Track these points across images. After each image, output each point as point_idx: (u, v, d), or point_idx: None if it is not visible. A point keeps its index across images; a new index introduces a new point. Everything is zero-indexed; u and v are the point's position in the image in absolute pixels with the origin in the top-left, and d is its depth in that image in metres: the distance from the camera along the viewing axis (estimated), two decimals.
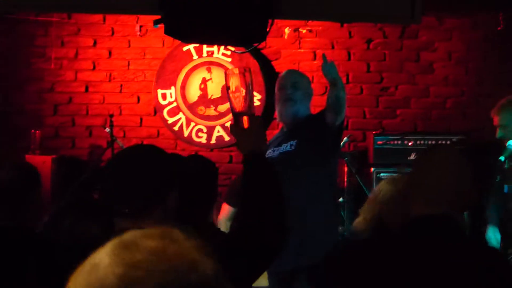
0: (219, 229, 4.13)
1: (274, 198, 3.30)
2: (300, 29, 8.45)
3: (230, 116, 8.01)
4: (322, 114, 6.13)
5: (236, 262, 3.09)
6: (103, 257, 1.40)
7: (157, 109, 8.44)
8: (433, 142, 7.72)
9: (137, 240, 1.43)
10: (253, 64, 8.06)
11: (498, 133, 6.42)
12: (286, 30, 8.39)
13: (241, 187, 3.46)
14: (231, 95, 3.59)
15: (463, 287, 3.23)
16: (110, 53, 8.58)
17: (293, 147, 6.05)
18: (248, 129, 3.53)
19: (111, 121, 7.70)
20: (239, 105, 3.57)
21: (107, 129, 7.61)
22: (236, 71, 3.63)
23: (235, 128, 3.58)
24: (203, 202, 3.98)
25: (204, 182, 4.02)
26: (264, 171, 3.39)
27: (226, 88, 3.67)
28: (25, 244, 3.94)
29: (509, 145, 6.25)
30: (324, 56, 5.99)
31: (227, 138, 8.23)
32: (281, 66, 8.22)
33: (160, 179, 3.34)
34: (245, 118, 3.49)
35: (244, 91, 3.53)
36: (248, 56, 7.96)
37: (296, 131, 6.20)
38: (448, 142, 7.70)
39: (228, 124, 8.10)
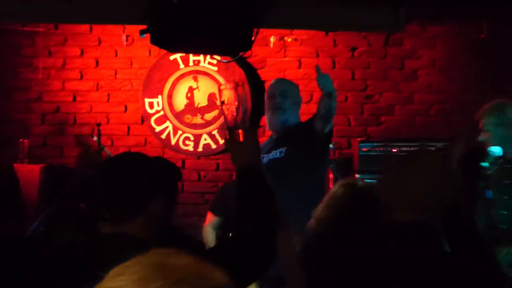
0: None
1: (268, 209, 3.33)
2: (285, 38, 8.47)
3: (216, 124, 8.06)
4: (311, 122, 6.21)
5: (233, 269, 3.09)
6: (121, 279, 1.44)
7: (144, 118, 8.46)
8: (411, 147, 7.77)
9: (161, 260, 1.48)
10: (239, 72, 8.10)
11: (480, 137, 6.46)
12: (272, 39, 8.40)
13: (236, 198, 3.47)
14: (224, 109, 3.62)
15: None
16: (97, 62, 8.59)
17: (282, 154, 6.14)
18: (243, 143, 3.56)
19: (99, 130, 7.73)
20: (233, 119, 3.60)
21: (95, 138, 7.63)
22: (229, 86, 3.68)
23: (230, 142, 3.62)
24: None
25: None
26: (258, 184, 3.41)
27: (220, 102, 3.69)
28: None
29: (491, 151, 6.29)
30: (317, 68, 6.02)
31: (213, 146, 8.27)
32: (266, 75, 8.24)
33: (142, 187, 3.34)
34: (239, 131, 3.52)
35: (237, 105, 3.57)
36: (234, 65, 7.99)
37: (286, 139, 6.27)
38: (433, 149, 7.74)
39: (214, 132, 8.16)
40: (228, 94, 3.66)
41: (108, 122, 8.39)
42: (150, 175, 3.41)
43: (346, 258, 3.63)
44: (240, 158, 3.50)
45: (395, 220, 3.49)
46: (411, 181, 3.52)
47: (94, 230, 3.32)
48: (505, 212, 6.33)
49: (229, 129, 3.61)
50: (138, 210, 3.25)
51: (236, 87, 3.64)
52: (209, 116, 8.32)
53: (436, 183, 3.52)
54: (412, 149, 7.74)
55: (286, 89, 6.42)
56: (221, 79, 8.30)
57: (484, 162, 6.30)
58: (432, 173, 3.60)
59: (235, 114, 3.64)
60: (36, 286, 3.30)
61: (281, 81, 6.80)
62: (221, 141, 8.16)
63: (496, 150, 6.30)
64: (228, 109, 3.62)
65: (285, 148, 6.14)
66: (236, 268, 3.03)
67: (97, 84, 8.53)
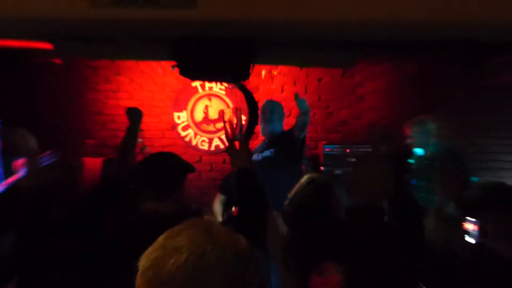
0: None
1: (258, 196, 3.39)
2: (272, 71, 8.44)
3: (223, 131, 8.01)
4: (291, 131, 6.41)
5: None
6: (180, 240, 1.43)
7: (174, 126, 8.43)
8: (361, 149, 7.76)
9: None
10: (240, 95, 8.03)
11: (408, 141, 6.49)
12: (263, 72, 8.38)
13: (236, 189, 3.49)
14: (226, 126, 3.64)
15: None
16: (141, 87, 8.55)
17: (272, 153, 6.36)
18: (239, 151, 3.57)
19: (142, 135, 7.72)
20: (232, 133, 3.67)
21: (140, 140, 7.60)
22: (230, 110, 3.73)
23: (230, 150, 3.63)
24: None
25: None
26: (251, 180, 3.43)
27: (223, 121, 3.74)
28: None
29: (415, 151, 6.31)
30: (296, 95, 6.25)
31: (222, 146, 8.27)
32: (259, 97, 8.20)
33: (175, 176, 3.38)
34: (236, 142, 3.53)
35: (236, 123, 3.63)
36: (236, 90, 7.97)
37: (274, 142, 6.48)
38: (375, 151, 7.72)
39: (222, 137, 8.13)
40: (229, 115, 3.71)
41: (148, 129, 8.35)
42: (180, 167, 3.47)
43: (309, 230, 3.63)
44: (238, 162, 3.53)
45: (354, 202, 3.48)
46: (366, 176, 3.53)
47: (138, 207, 3.31)
48: (424, 194, 6.33)
49: (229, 141, 3.64)
50: (171, 192, 3.27)
51: (235, 111, 3.69)
52: (219, 125, 8.35)
53: (385, 177, 3.53)
54: (360, 149, 7.75)
55: (273, 108, 6.67)
56: (227, 100, 8.29)
57: (411, 159, 6.30)
58: (380, 170, 3.62)
59: (234, 129, 3.69)
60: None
61: (270, 102, 6.85)
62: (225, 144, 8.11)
63: (419, 151, 6.30)
64: (229, 126, 3.65)
65: (273, 149, 6.35)
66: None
67: (141, 102, 8.48)
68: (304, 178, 4.07)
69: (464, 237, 3.52)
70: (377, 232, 3.37)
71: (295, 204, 3.94)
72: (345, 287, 2.28)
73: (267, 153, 6.37)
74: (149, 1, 3.39)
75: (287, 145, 6.36)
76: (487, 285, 2.83)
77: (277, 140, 6.50)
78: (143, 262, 1.43)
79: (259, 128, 6.80)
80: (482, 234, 3.52)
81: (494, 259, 2.95)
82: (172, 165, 3.55)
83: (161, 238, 1.46)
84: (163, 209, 3.28)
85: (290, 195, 4.03)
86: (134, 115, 4.89)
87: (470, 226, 3.58)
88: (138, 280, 1.41)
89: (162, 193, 3.36)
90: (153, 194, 3.33)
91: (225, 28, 3.82)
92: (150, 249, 1.45)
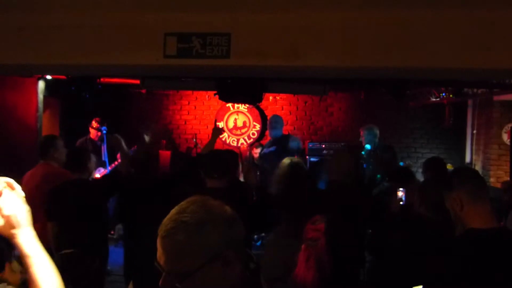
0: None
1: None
2: (276, 97, 8.43)
3: (245, 135, 7.99)
4: (288, 135, 6.65)
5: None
6: (186, 215, 1.31)
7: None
8: (331, 145, 7.72)
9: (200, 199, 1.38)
10: (256, 112, 8.02)
11: (361, 140, 6.45)
12: (270, 97, 8.37)
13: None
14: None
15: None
16: (195, 107, 8.57)
17: (274, 149, 6.38)
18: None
19: (196, 136, 7.70)
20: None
21: (194, 140, 7.59)
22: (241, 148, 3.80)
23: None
24: None
25: None
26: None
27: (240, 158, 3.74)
28: None
29: (365, 146, 6.26)
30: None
31: (245, 143, 8.12)
32: (268, 113, 8.16)
33: (231, 161, 3.33)
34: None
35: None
36: (254, 109, 7.94)
37: (276, 142, 6.52)
38: (341, 146, 7.69)
39: (245, 137, 8.09)
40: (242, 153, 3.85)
41: (199, 133, 8.36)
42: (233, 156, 3.41)
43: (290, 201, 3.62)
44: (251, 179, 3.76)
45: (330, 180, 3.47)
46: (337, 162, 3.50)
47: (202, 184, 3.28)
48: (371, 173, 6.28)
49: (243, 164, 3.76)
50: (229, 172, 3.23)
51: (249, 146, 3.75)
52: (243, 131, 8.23)
53: (348, 163, 3.50)
54: (330, 145, 7.71)
55: (277, 119, 6.70)
56: (248, 115, 8.17)
57: (363, 151, 6.27)
58: (345, 158, 3.60)
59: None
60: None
61: (274, 116, 6.90)
62: (247, 142, 8.10)
63: (368, 146, 6.25)
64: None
65: (275, 146, 6.27)
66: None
67: (195, 116, 8.50)
68: (285, 159, 4.04)
69: (398, 201, 3.49)
70: (342, 196, 3.35)
71: (277, 180, 3.91)
72: (327, 230, 2.26)
73: (272, 148, 6.41)
74: (200, 54, 3.39)
75: (285, 144, 6.39)
76: (411, 233, 2.82)
77: (278, 140, 6.55)
78: (161, 231, 1.30)
79: (267, 132, 6.86)
80: (407, 198, 3.50)
81: (415, 216, 2.93)
82: (227, 156, 3.50)
83: (173, 212, 1.32)
84: (221, 184, 3.23)
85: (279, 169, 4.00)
86: (217, 132, 4.87)
87: (400, 193, 3.56)
88: (158, 245, 1.30)
89: (222, 173, 3.29)
90: (215, 174, 3.27)
91: (247, 71, 3.81)
92: (165, 220, 1.31)
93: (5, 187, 1.45)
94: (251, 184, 3.73)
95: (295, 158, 4.08)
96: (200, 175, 3.34)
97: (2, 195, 1.43)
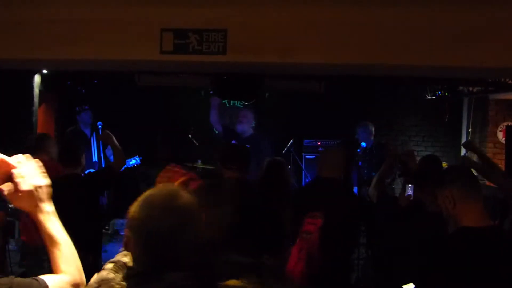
0: None
1: None
2: (272, 93, 8.39)
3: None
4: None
5: None
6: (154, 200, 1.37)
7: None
8: (329, 143, 7.72)
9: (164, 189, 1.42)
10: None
11: (358, 138, 6.47)
12: (266, 93, 8.31)
13: None
14: None
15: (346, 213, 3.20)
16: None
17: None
18: None
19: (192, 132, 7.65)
20: None
21: (190, 136, 7.54)
22: None
23: None
24: None
25: None
26: None
27: None
28: None
29: (361, 144, 6.28)
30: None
31: None
32: (263, 109, 8.19)
33: (247, 155, 3.37)
34: None
35: None
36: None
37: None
38: (336, 143, 7.71)
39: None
40: None
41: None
42: (247, 151, 3.43)
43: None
44: None
45: (321, 175, 3.48)
46: (328, 158, 3.50)
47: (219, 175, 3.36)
48: (366, 171, 6.29)
49: None
50: (246, 164, 3.26)
51: None
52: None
53: (339, 159, 3.51)
54: (329, 143, 7.71)
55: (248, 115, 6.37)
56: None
57: (358, 149, 6.29)
58: (336, 154, 3.60)
59: None
60: None
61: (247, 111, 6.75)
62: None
63: (363, 144, 6.28)
64: None
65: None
66: None
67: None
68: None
69: (406, 197, 3.50)
70: (333, 193, 3.37)
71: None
72: (323, 226, 2.28)
73: None
74: (196, 50, 3.41)
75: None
76: (418, 224, 2.85)
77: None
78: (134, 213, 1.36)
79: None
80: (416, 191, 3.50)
81: (422, 208, 2.96)
82: (244, 151, 3.55)
83: (142, 197, 1.38)
84: (233, 174, 3.26)
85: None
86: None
87: (409, 189, 3.58)
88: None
89: (239, 165, 3.31)
90: (234, 167, 3.29)
91: (243, 67, 3.84)
92: (135, 204, 1.36)
93: (19, 162, 1.40)
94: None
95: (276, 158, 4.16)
96: None
97: (20, 169, 1.39)
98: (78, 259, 1.47)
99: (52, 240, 1.42)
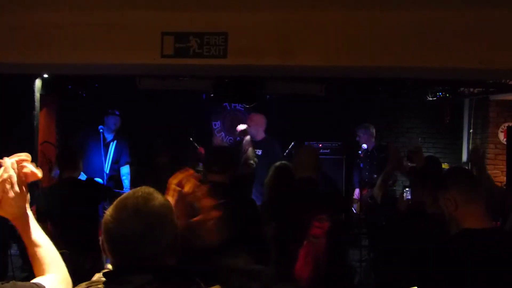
0: None
1: None
2: (273, 96, 8.37)
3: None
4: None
5: None
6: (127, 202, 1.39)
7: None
8: (330, 145, 7.68)
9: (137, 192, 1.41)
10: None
11: (359, 140, 6.45)
12: (267, 96, 8.29)
13: None
14: None
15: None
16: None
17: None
18: None
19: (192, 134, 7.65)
20: None
21: (191, 139, 7.54)
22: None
23: None
24: None
25: None
26: None
27: None
28: None
29: (362, 146, 6.28)
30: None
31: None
32: (265, 112, 8.19)
33: (231, 156, 3.37)
34: None
35: None
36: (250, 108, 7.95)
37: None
38: (337, 145, 7.67)
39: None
40: None
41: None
42: (231, 154, 3.44)
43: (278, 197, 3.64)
44: None
45: (298, 176, 3.49)
46: (303, 157, 3.52)
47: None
48: (367, 173, 6.31)
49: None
50: (230, 168, 3.24)
51: None
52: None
53: (314, 157, 3.54)
54: (330, 145, 7.68)
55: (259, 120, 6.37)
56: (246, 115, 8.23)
57: (359, 151, 6.29)
58: (311, 152, 3.63)
59: None
60: None
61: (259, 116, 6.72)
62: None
63: (364, 145, 6.28)
64: None
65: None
66: None
67: None
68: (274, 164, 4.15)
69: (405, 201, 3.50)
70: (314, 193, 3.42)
71: (268, 180, 4.03)
72: (330, 230, 2.28)
73: None
74: (197, 54, 3.42)
75: None
76: (418, 226, 2.86)
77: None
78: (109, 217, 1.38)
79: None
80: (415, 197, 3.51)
81: (420, 211, 2.96)
82: (227, 152, 3.53)
83: (117, 200, 1.40)
84: (218, 178, 3.25)
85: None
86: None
87: (406, 193, 3.59)
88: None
89: (223, 168, 3.30)
90: (217, 170, 3.27)
91: (245, 70, 3.84)
92: (108, 214, 1.38)
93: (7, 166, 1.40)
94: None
95: (282, 162, 4.17)
96: None
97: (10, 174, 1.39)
98: (61, 260, 1.50)
99: (36, 244, 1.45)
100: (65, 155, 4.17)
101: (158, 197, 1.40)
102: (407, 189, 3.60)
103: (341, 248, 2.33)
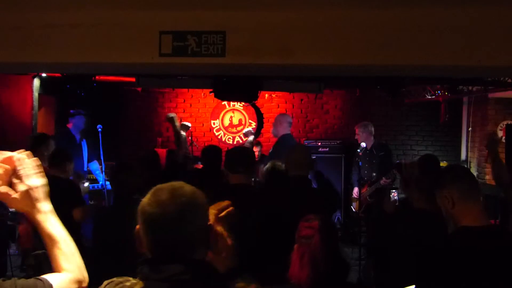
0: None
1: None
2: (272, 95, 8.41)
3: (241, 132, 7.99)
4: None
5: None
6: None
7: (211, 129, 8.41)
8: (329, 144, 7.70)
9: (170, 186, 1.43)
10: (252, 110, 8.06)
11: (358, 138, 6.45)
12: (266, 95, 8.33)
13: None
14: None
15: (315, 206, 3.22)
16: (190, 105, 8.54)
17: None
18: None
19: (191, 133, 7.67)
20: None
21: (191, 138, 7.58)
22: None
23: None
24: None
25: None
26: None
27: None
28: None
29: (361, 144, 6.28)
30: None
31: (240, 141, 8.12)
32: (264, 111, 8.21)
33: (253, 158, 3.56)
34: None
35: None
36: (250, 106, 7.95)
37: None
38: (336, 144, 7.69)
39: (241, 135, 8.11)
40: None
41: (195, 131, 8.30)
42: (249, 155, 3.53)
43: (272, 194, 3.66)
44: None
45: (291, 174, 3.51)
46: (297, 156, 3.54)
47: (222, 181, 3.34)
48: (366, 172, 6.32)
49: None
50: (252, 168, 3.34)
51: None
52: (239, 128, 8.29)
53: (307, 155, 3.56)
54: (329, 143, 7.70)
55: (276, 119, 6.38)
56: (244, 113, 8.25)
57: (358, 149, 6.30)
58: (304, 151, 3.65)
59: None
60: None
61: (279, 115, 6.73)
62: (243, 140, 8.07)
63: (363, 144, 6.28)
64: None
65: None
66: None
67: (190, 114, 8.48)
68: (269, 162, 4.15)
69: (391, 203, 3.53)
70: (308, 191, 3.44)
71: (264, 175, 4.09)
72: (322, 227, 2.27)
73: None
74: (195, 52, 3.42)
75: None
76: (407, 221, 2.87)
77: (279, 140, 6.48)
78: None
79: (263, 129, 6.78)
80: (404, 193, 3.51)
81: (410, 208, 2.97)
82: (246, 153, 3.53)
83: (151, 193, 1.41)
84: (239, 179, 3.26)
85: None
86: (170, 119, 5.10)
87: (393, 195, 3.60)
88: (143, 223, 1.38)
89: (240, 169, 3.28)
90: (236, 170, 3.27)
91: (243, 69, 3.84)
92: (145, 200, 1.39)
93: (19, 160, 1.39)
94: None
95: (276, 161, 4.16)
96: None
97: (18, 169, 1.39)
98: (79, 256, 1.46)
99: (51, 239, 1.41)
100: (54, 156, 4.27)
101: (190, 186, 1.44)
102: (393, 191, 3.62)
103: (336, 243, 2.32)
